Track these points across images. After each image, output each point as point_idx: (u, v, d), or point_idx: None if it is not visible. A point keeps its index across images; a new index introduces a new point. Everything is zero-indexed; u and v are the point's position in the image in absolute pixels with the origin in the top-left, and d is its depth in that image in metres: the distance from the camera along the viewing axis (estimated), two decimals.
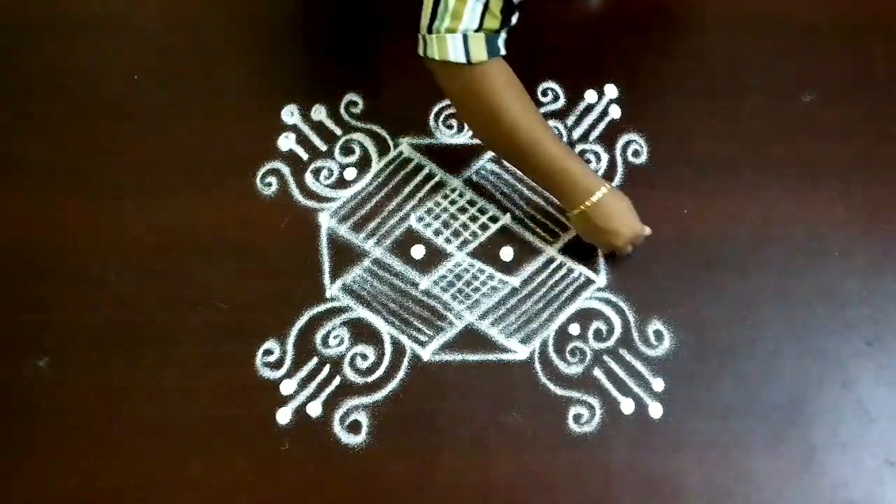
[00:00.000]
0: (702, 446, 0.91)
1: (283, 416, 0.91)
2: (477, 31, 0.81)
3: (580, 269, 0.98)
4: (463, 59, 0.82)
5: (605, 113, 1.04)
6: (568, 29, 1.08)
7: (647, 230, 0.93)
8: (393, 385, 0.92)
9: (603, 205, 0.89)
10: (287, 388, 0.92)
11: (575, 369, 0.94)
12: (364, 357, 0.93)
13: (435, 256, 0.98)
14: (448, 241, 0.98)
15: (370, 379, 0.93)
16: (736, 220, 1.00)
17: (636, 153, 1.02)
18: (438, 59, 0.83)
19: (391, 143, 1.01)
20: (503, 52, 0.85)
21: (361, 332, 0.94)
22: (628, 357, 0.94)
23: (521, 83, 0.86)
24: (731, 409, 0.93)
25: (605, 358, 0.94)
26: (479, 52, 0.82)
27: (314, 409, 0.91)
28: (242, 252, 0.96)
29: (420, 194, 1.00)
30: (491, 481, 0.89)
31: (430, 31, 0.82)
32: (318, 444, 0.90)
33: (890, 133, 1.05)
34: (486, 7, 0.81)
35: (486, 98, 0.85)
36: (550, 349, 0.94)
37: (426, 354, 0.93)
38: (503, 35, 0.85)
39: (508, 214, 0.99)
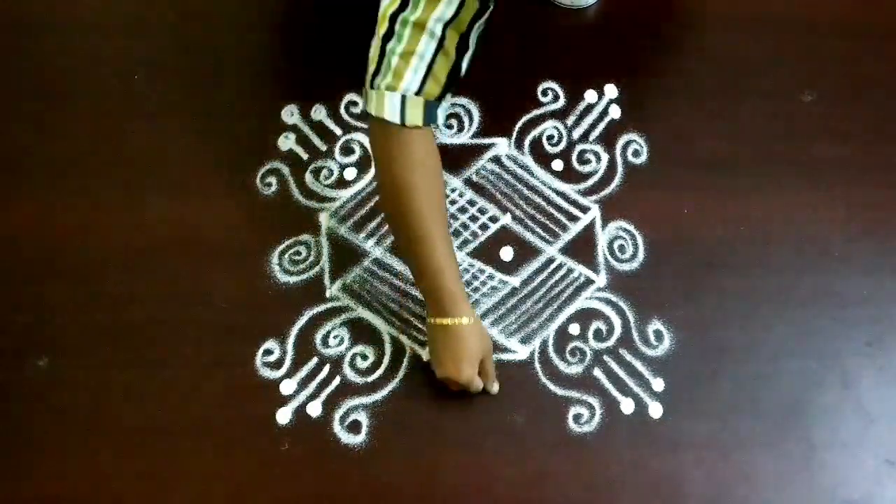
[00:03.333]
0: (702, 446, 0.91)
1: (283, 416, 0.91)
2: (417, 93, 0.78)
3: (580, 269, 0.98)
4: (397, 120, 0.78)
5: (605, 113, 1.04)
6: (568, 29, 1.08)
7: (481, 386, 0.88)
8: (393, 385, 0.92)
9: (450, 334, 0.84)
10: (287, 388, 0.92)
11: (575, 369, 0.94)
12: (364, 357, 0.93)
13: None
14: None
15: (370, 379, 0.93)
16: (736, 220, 1.00)
17: (636, 153, 1.02)
18: (374, 116, 0.79)
19: None
20: (440, 120, 0.81)
21: (361, 332, 0.94)
22: (628, 357, 0.94)
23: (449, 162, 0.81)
24: (731, 409, 0.93)
25: (605, 358, 0.94)
26: (415, 116, 0.78)
27: (314, 409, 0.91)
28: (242, 252, 0.96)
29: None
30: (491, 481, 0.89)
31: (372, 85, 0.79)
32: (318, 444, 0.90)
33: (890, 133, 1.05)
34: (429, 70, 0.77)
35: (405, 169, 0.80)
36: (550, 349, 0.94)
37: (426, 354, 0.93)
38: (444, 104, 0.81)
39: (508, 214, 0.99)
